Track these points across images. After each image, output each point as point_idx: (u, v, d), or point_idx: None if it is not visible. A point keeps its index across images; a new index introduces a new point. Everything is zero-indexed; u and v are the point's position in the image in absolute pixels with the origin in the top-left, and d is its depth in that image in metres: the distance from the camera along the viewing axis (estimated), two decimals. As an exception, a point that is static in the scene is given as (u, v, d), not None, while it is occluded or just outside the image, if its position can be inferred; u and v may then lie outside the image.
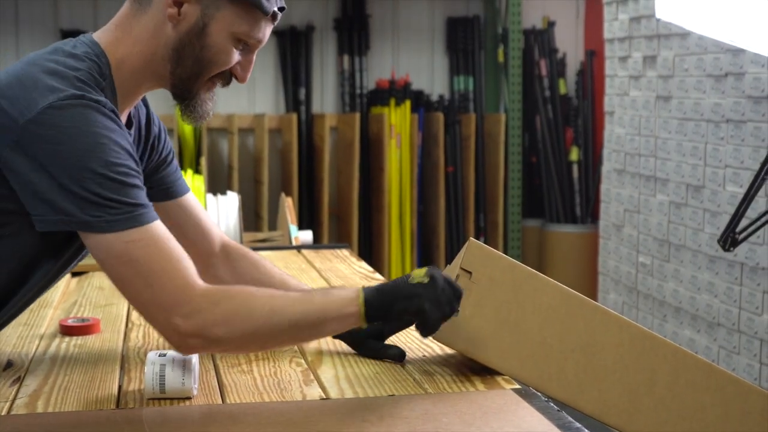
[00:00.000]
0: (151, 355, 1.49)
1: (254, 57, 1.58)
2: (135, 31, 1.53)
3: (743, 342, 3.43)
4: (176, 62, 1.53)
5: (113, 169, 1.39)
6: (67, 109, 1.40)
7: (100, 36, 1.55)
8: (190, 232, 1.78)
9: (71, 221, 1.40)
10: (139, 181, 1.44)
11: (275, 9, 1.53)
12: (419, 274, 1.48)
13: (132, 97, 1.58)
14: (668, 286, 3.95)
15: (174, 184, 1.77)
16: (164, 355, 1.49)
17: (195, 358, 1.51)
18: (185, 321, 1.39)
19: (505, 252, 5.30)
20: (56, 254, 1.53)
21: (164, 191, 1.76)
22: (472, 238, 1.65)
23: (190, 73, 1.53)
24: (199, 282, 1.42)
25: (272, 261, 2.57)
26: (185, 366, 1.48)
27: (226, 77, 1.57)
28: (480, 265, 1.59)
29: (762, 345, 3.33)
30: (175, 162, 1.79)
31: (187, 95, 1.56)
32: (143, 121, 1.70)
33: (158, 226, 1.43)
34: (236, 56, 1.54)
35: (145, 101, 1.71)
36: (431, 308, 1.46)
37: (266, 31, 1.55)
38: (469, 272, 1.59)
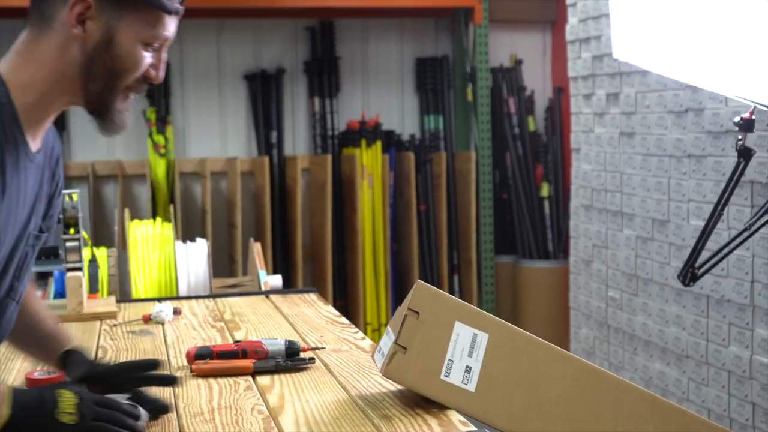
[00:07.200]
0: None
1: (166, 54, 1.58)
2: (38, 56, 1.52)
3: (712, 374, 3.47)
4: (87, 78, 1.53)
5: None
6: None
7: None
8: None
9: None
10: None
11: (177, 4, 1.54)
12: (68, 406, 1.45)
13: (43, 118, 1.57)
14: (637, 319, 3.99)
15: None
16: None
17: None
18: None
19: (479, 288, 5.34)
20: None
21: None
22: (419, 280, 1.71)
23: (104, 86, 1.53)
24: None
25: (241, 307, 2.63)
26: None
27: (140, 83, 1.57)
28: (427, 306, 1.65)
29: (730, 376, 3.37)
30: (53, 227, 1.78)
31: (103, 108, 1.55)
32: (54, 159, 1.68)
33: None
34: (148, 59, 1.55)
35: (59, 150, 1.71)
36: None
37: (172, 27, 1.56)
38: (417, 312, 1.65)
